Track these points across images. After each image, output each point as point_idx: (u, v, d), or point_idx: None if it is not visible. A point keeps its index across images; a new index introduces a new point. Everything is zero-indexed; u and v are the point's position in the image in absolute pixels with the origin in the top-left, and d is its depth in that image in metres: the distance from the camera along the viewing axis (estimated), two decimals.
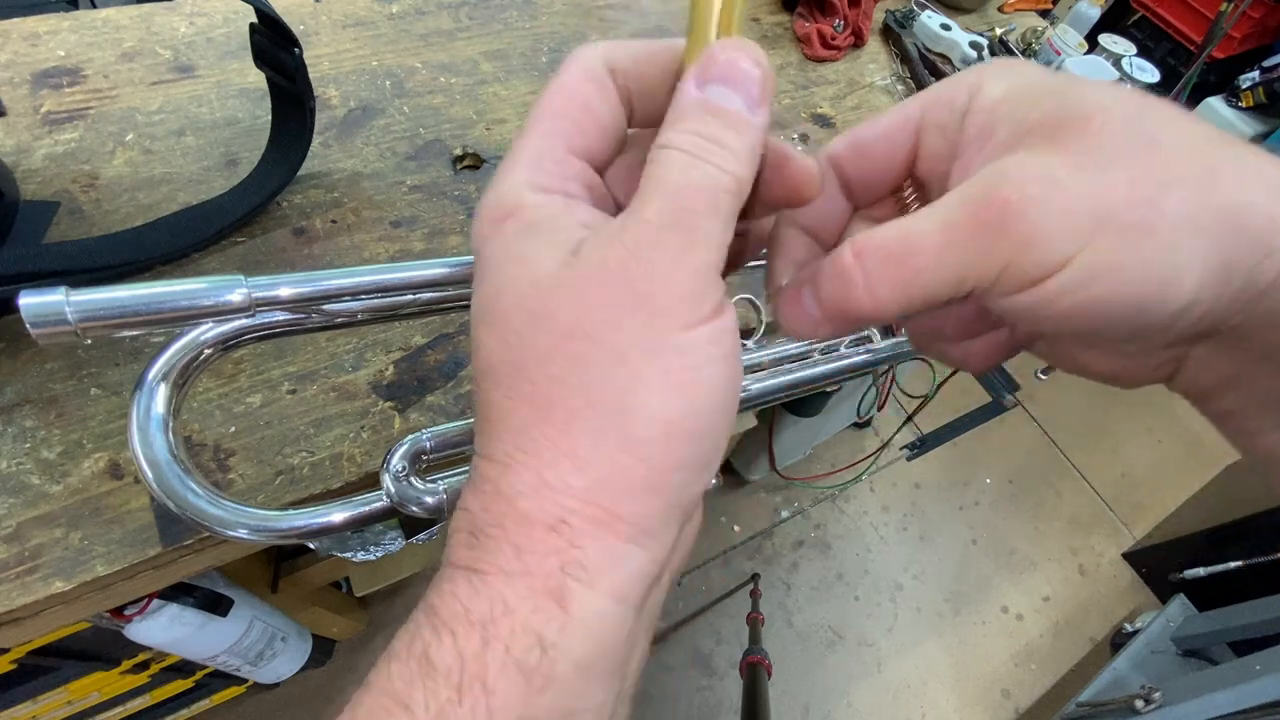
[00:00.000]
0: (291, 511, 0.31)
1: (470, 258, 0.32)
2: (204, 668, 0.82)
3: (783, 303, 0.20)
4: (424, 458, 0.32)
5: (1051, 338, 0.22)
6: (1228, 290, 0.16)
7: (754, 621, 1.07)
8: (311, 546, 0.33)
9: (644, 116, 0.21)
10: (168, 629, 0.62)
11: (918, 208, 0.21)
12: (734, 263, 0.24)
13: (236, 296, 0.26)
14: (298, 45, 0.46)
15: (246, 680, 0.93)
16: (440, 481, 0.32)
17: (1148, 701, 1.09)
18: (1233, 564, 1.35)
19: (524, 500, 0.16)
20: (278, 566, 0.77)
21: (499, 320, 0.17)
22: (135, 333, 0.25)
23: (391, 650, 0.17)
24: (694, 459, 0.17)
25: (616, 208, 0.21)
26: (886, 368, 0.99)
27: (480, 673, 0.15)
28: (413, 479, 0.31)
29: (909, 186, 0.22)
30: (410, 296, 0.30)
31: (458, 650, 0.15)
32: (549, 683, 0.15)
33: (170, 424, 0.27)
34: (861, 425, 1.58)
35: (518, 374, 0.17)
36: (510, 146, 0.19)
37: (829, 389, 0.93)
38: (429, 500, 0.31)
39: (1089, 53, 0.85)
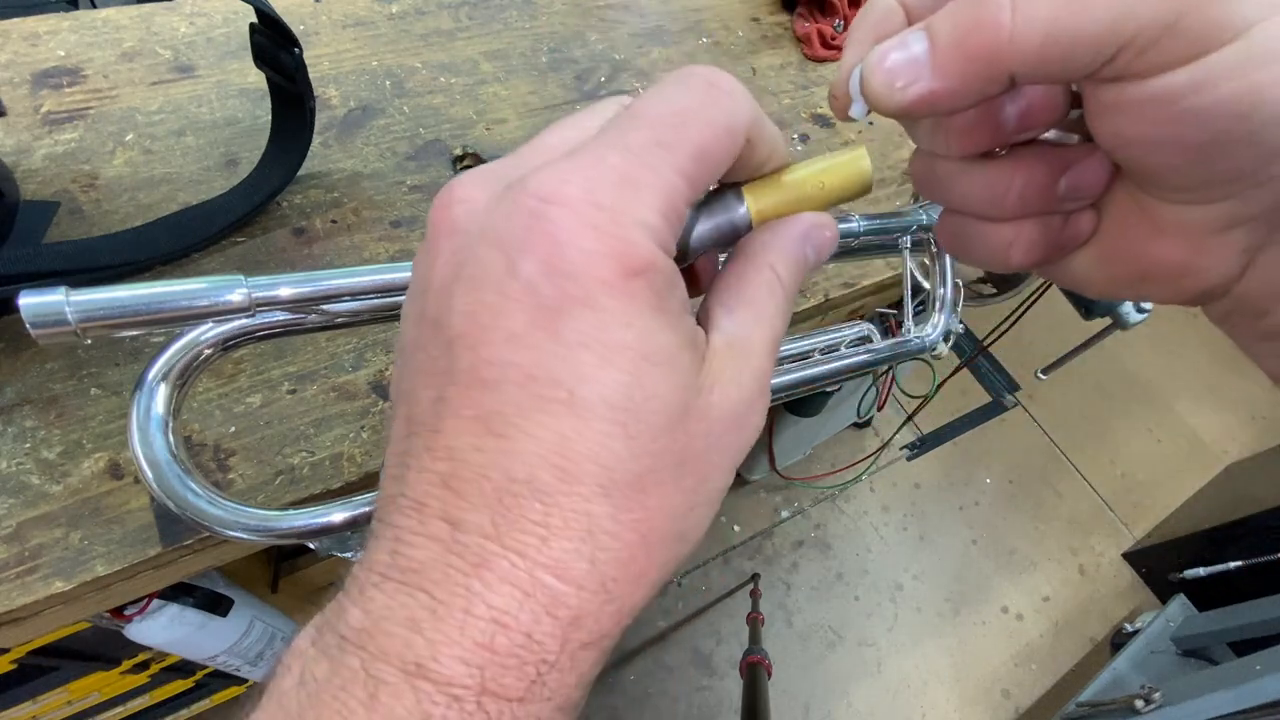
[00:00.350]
0: (291, 511, 0.31)
1: None
2: (204, 668, 0.82)
3: (878, 57, 0.16)
4: None
5: (1140, 216, 0.18)
6: None
7: (754, 621, 1.07)
8: (311, 546, 0.33)
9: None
10: (168, 629, 0.62)
11: None
12: None
13: (236, 296, 0.26)
14: (298, 45, 0.46)
15: (246, 680, 0.93)
16: None
17: (1148, 701, 1.09)
18: (1233, 564, 1.35)
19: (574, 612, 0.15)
20: (278, 566, 0.77)
21: (644, 431, 0.15)
22: (135, 333, 0.25)
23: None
24: (677, 567, 0.17)
25: None
26: (886, 368, 0.99)
27: None
28: None
29: None
30: None
31: None
32: None
33: (170, 424, 0.27)
34: (861, 425, 1.58)
35: (637, 498, 0.15)
36: (639, 154, 0.15)
37: (829, 389, 0.93)
38: None
39: None
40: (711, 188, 0.19)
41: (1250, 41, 0.13)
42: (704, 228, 0.20)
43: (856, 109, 0.18)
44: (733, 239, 0.20)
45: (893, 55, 0.16)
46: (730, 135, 0.17)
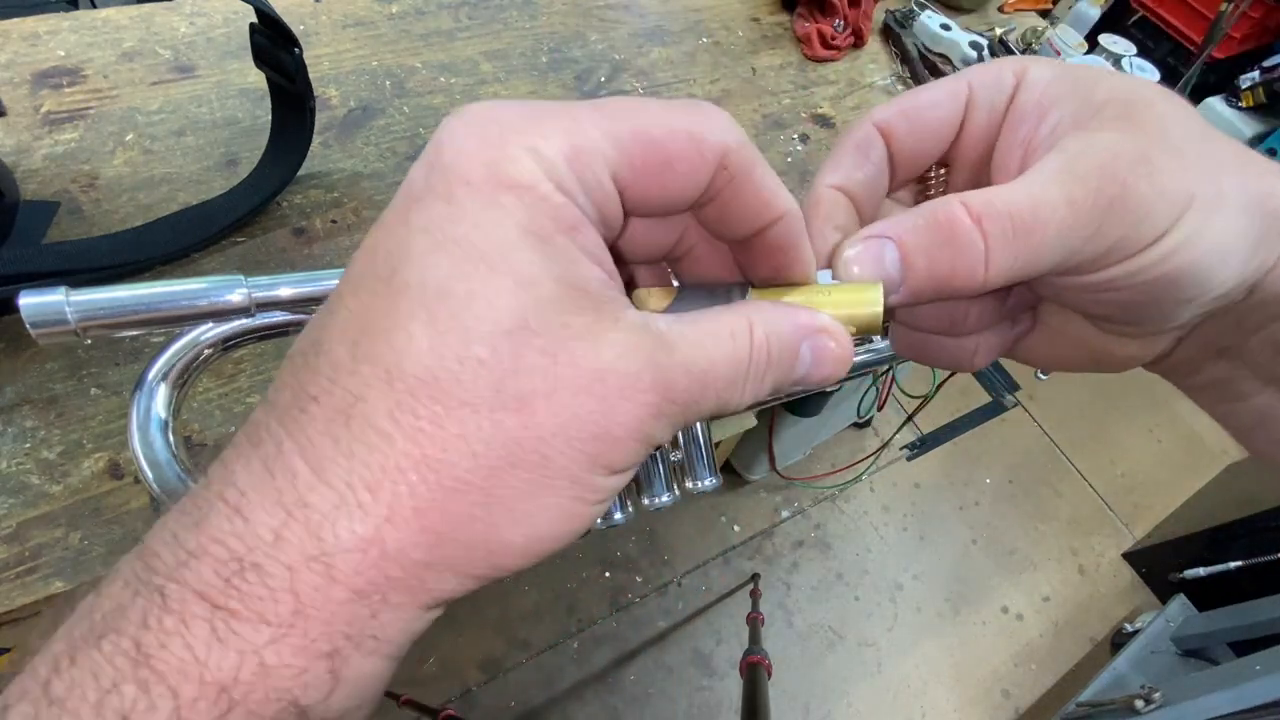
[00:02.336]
0: None
1: None
2: None
3: (855, 259, 0.18)
4: None
5: (1079, 322, 0.22)
6: (1252, 264, 0.17)
7: (754, 621, 1.07)
8: None
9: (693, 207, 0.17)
10: None
11: (941, 193, 0.21)
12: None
13: (236, 296, 0.26)
14: (298, 45, 0.46)
15: None
16: None
17: (1148, 701, 1.09)
18: (1233, 564, 1.35)
19: (345, 555, 0.13)
20: None
21: (454, 330, 0.13)
22: (135, 333, 0.25)
23: (51, 690, 0.12)
24: (527, 567, 0.15)
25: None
26: (886, 368, 0.99)
27: None
28: None
29: (937, 167, 0.22)
30: None
31: (178, 718, 0.12)
32: None
33: (170, 424, 0.27)
34: (861, 425, 1.58)
35: (428, 403, 0.13)
36: (551, 104, 0.15)
37: (829, 389, 0.93)
38: None
39: (1089, 53, 0.85)
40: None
41: (1167, 241, 0.17)
42: (701, 302, 0.18)
43: (824, 277, 0.19)
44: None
45: (865, 266, 0.18)
46: (690, 140, 0.15)
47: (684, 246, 0.19)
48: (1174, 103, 0.18)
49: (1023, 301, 0.22)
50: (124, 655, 0.12)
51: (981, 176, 0.22)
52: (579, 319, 0.14)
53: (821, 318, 0.17)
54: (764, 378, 0.16)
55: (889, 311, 0.18)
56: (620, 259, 0.18)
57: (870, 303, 0.18)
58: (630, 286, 0.20)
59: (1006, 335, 0.23)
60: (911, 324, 0.23)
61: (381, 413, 0.13)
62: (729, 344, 0.15)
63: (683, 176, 0.16)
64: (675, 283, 0.21)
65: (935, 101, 0.20)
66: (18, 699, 0.12)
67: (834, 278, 0.19)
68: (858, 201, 0.21)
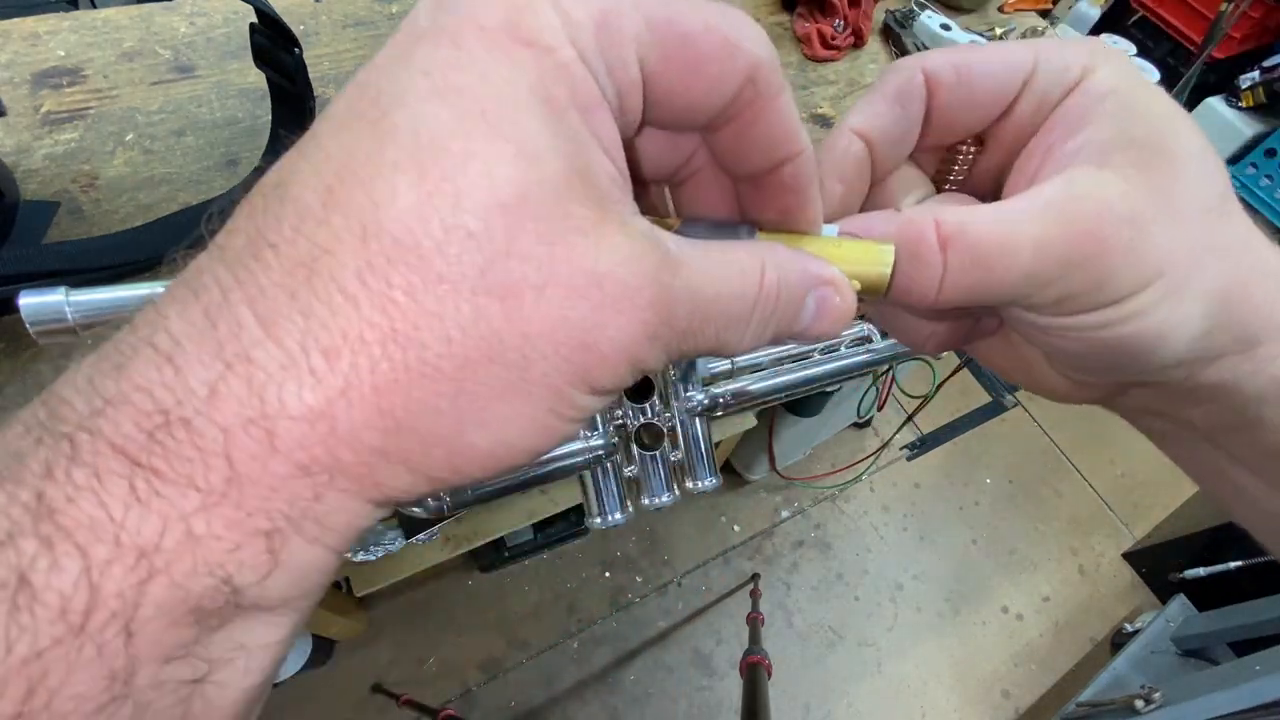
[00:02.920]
0: None
1: None
2: None
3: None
4: None
5: (1027, 347, 0.22)
6: (1193, 351, 0.17)
7: (754, 621, 1.07)
8: None
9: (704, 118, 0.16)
10: None
11: (965, 173, 0.20)
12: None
13: None
14: (298, 45, 0.46)
15: None
16: None
17: (1148, 701, 1.09)
18: (1233, 564, 1.35)
19: (289, 423, 0.11)
20: None
21: (442, 190, 0.11)
22: None
23: None
24: (489, 477, 0.13)
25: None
26: (886, 368, 0.99)
27: (123, 613, 0.11)
28: None
29: (971, 143, 0.20)
30: None
31: (87, 580, 0.10)
32: (224, 624, 0.12)
33: None
34: (861, 425, 1.58)
35: (404, 270, 0.11)
36: None
37: (829, 389, 0.93)
38: (431, 501, 0.31)
39: None
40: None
41: (1121, 309, 0.16)
42: (704, 231, 0.18)
43: (827, 231, 0.19)
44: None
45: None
46: (724, 43, 0.14)
47: (688, 170, 0.18)
48: (1206, 162, 0.17)
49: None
50: (21, 506, 0.11)
51: (1008, 168, 0.20)
52: (582, 210, 0.12)
53: (830, 269, 0.16)
54: (767, 322, 0.15)
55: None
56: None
57: (881, 263, 0.17)
58: None
59: (964, 330, 0.22)
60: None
61: (349, 271, 0.11)
62: (738, 279, 0.14)
63: (710, 80, 0.14)
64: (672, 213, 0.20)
65: (990, 69, 0.18)
66: None
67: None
68: (878, 154, 0.19)
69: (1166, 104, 0.17)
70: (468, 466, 0.13)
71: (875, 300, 0.18)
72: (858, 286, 0.17)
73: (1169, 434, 0.22)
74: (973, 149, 0.20)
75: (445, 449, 0.12)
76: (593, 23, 0.12)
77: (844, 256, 0.17)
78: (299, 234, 0.12)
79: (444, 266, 0.11)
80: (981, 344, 0.23)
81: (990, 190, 0.21)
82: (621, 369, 0.13)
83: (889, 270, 0.17)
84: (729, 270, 0.14)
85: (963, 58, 0.18)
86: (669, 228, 0.17)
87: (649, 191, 0.19)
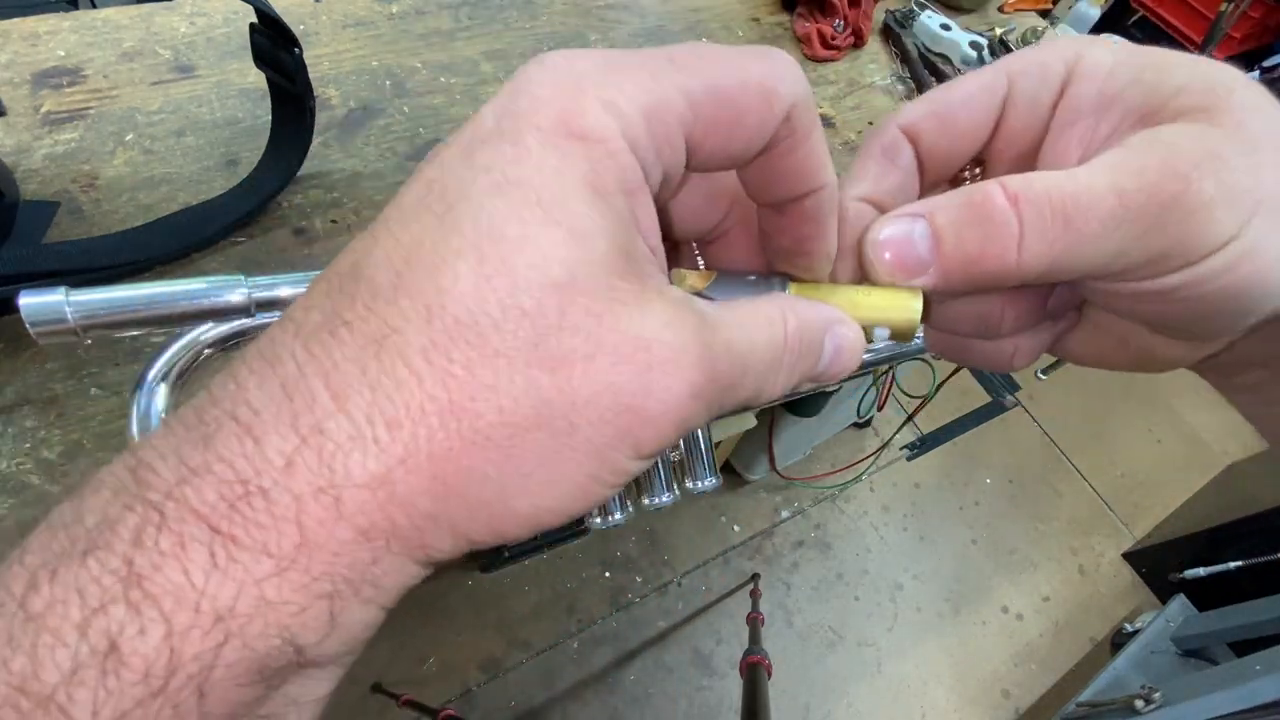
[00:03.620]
0: None
1: None
2: None
3: (886, 242, 0.17)
4: None
5: (1120, 324, 0.20)
6: None
7: (754, 621, 1.07)
8: None
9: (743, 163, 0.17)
10: None
11: None
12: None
13: (236, 296, 0.26)
14: (298, 45, 0.46)
15: None
16: None
17: (1148, 701, 1.09)
18: (1233, 564, 1.35)
19: (354, 490, 0.12)
20: None
21: (501, 272, 0.12)
22: (135, 333, 0.25)
23: (28, 606, 0.11)
24: (525, 537, 0.14)
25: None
26: (886, 368, 0.99)
27: (199, 674, 0.11)
28: None
29: (972, 167, 0.21)
30: None
31: (169, 645, 0.11)
32: (284, 682, 0.13)
33: None
34: (861, 425, 1.58)
35: (463, 347, 0.12)
36: (629, 54, 0.14)
37: (829, 389, 0.93)
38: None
39: None
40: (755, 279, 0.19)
41: (1231, 250, 0.15)
42: (737, 291, 0.19)
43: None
44: None
45: (894, 246, 0.17)
46: (761, 94, 0.15)
47: (723, 228, 0.19)
48: (1255, 90, 0.16)
49: (1065, 301, 0.21)
50: (113, 574, 0.11)
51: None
52: (625, 285, 0.13)
53: (835, 310, 0.17)
54: (795, 367, 0.16)
55: (925, 311, 0.18)
56: (664, 230, 0.18)
57: (908, 308, 0.17)
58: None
59: (1047, 335, 0.21)
60: (946, 327, 0.21)
61: (415, 349, 0.12)
62: (767, 329, 0.15)
63: (750, 130, 0.15)
64: (702, 265, 0.20)
65: (968, 98, 0.19)
66: None
67: (864, 261, 0.18)
68: (888, 210, 0.19)
69: (1178, 55, 0.17)
70: (507, 528, 0.13)
71: (948, 330, 0.19)
72: (889, 335, 0.17)
73: (1266, 384, 0.20)
74: (976, 171, 0.21)
75: (488, 513, 0.13)
76: (641, 114, 0.14)
77: (874, 304, 0.18)
78: (371, 313, 0.13)
79: (500, 342, 0.12)
80: (1065, 341, 0.22)
81: None
82: (668, 429, 0.13)
83: (917, 315, 0.17)
84: (758, 321, 0.15)
85: (937, 98, 0.19)
86: (704, 281, 0.18)
87: (681, 249, 0.20)
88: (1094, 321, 0.21)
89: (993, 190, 0.16)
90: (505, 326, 0.12)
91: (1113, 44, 0.18)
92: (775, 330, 0.15)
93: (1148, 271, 0.16)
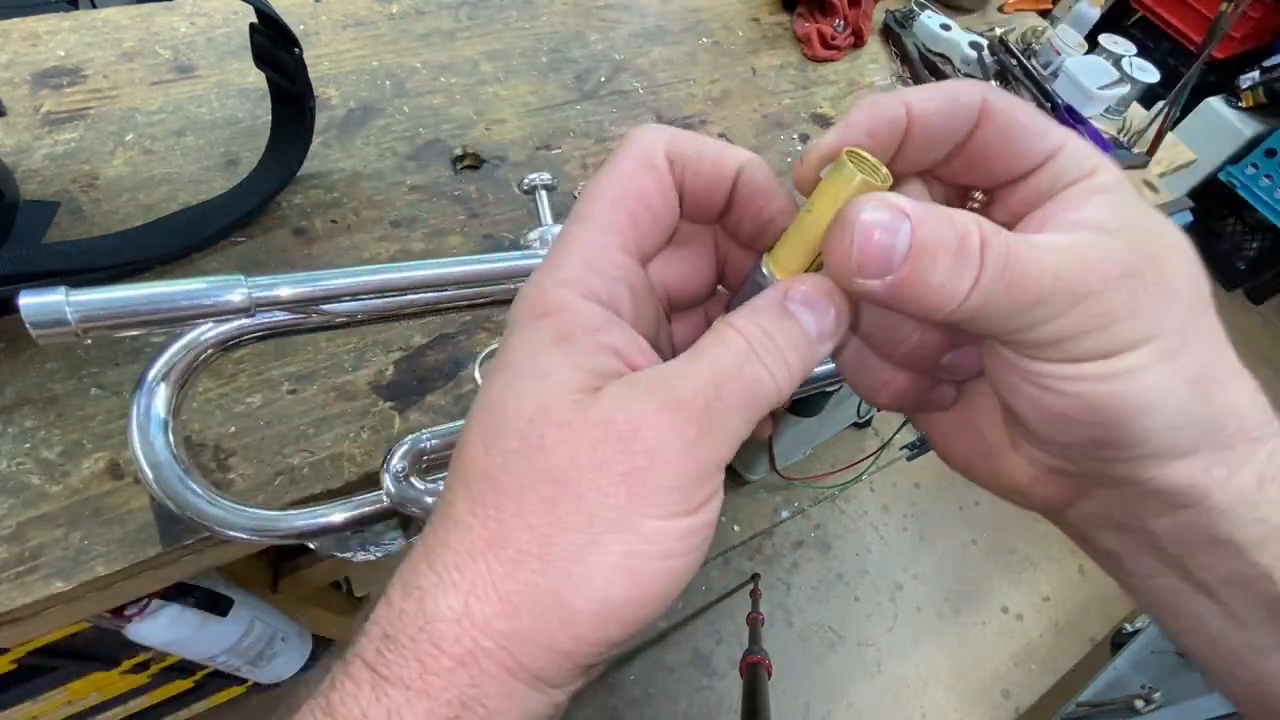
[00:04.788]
0: (291, 511, 0.31)
1: (473, 258, 0.32)
2: (204, 668, 0.82)
3: (875, 223, 0.17)
4: (424, 458, 0.32)
5: (994, 420, 0.21)
6: (1176, 438, 0.17)
7: (754, 621, 1.07)
8: (311, 546, 0.33)
9: (691, 211, 0.21)
10: (168, 629, 0.62)
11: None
12: None
13: (236, 296, 0.26)
14: (298, 45, 0.46)
15: (246, 680, 0.93)
16: (440, 481, 0.32)
17: (1148, 701, 1.09)
18: None
19: (443, 624, 0.16)
20: (278, 566, 0.77)
21: (494, 432, 0.17)
22: (135, 333, 0.25)
23: None
24: (617, 640, 0.16)
25: (654, 296, 0.21)
26: None
27: None
28: (413, 479, 0.31)
29: (981, 192, 0.21)
30: (410, 297, 0.30)
31: None
32: None
33: (170, 424, 0.27)
34: (861, 425, 1.58)
35: (490, 495, 0.16)
36: (564, 232, 0.19)
37: (829, 389, 0.93)
38: (429, 500, 0.31)
39: (1089, 53, 0.85)
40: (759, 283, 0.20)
41: (1111, 364, 0.16)
42: (739, 300, 0.20)
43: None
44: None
45: (880, 233, 0.16)
46: (638, 166, 0.19)
47: (732, 279, 0.24)
48: (1193, 259, 0.18)
49: (956, 368, 0.22)
50: (320, 709, 0.16)
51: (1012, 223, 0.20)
52: (588, 393, 0.17)
53: (781, 286, 0.19)
54: (778, 352, 0.18)
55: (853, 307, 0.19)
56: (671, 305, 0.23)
57: (846, 179, 0.18)
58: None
59: (920, 389, 0.22)
60: (857, 325, 0.22)
61: (463, 509, 0.17)
62: (717, 344, 0.18)
63: (654, 194, 0.20)
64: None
65: (1032, 128, 0.19)
66: None
67: (835, 227, 0.17)
68: (916, 124, 0.19)
69: (1157, 212, 0.18)
70: (584, 631, 0.16)
71: (852, 324, 0.20)
72: (832, 210, 0.18)
73: (1125, 553, 0.21)
74: (982, 198, 0.21)
75: (557, 619, 0.16)
76: (587, 268, 0.18)
77: (826, 202, 0.18)
78: (442, 497, 0.18)
79: (509, 481, 0.16)
80: (937, 419, 0.23)
81: None
82: (671, 472, 0.16)
83: (856, 178, 0.17)
84: (705, 346, 0.18)
85: (1017, 102, 0.19)
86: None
87: (688, 322, 0.24)
88: (964, 410, 0.22)
89: (973, 229, 0.16)
90: (509, 467, 0.16)
91: (1125, 177, 0.19)
92: (726, 336, 0.18)
93: (1046, 352, 0.17)
